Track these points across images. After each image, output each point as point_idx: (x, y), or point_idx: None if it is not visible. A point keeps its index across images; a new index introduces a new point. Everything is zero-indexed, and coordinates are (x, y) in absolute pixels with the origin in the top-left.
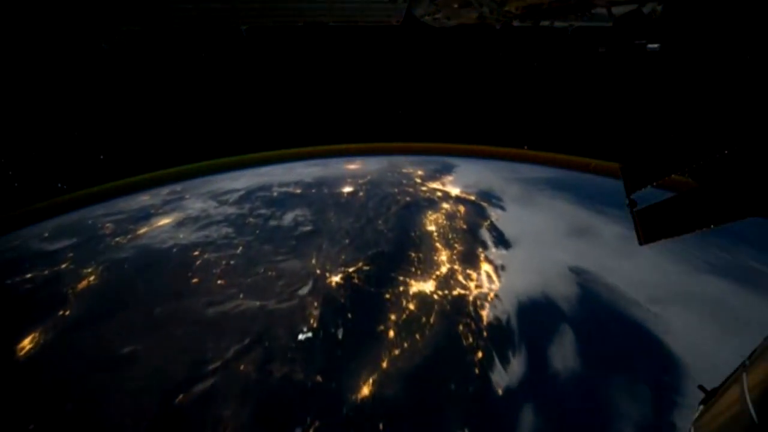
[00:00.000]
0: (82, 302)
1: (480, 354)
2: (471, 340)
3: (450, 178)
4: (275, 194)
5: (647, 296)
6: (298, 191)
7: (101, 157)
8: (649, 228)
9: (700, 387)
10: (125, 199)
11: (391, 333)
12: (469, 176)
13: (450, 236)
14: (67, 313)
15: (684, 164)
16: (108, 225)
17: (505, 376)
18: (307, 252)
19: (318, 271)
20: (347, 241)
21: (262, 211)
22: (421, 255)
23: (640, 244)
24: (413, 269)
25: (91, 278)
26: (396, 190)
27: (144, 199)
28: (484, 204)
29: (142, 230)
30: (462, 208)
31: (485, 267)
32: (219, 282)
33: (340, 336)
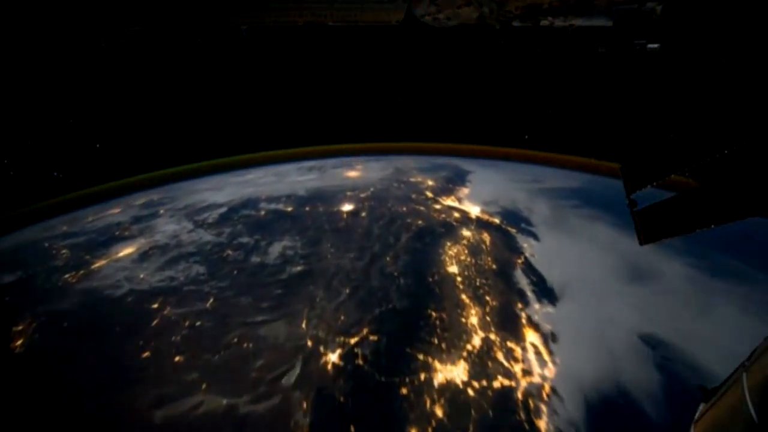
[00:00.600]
0: None
1: None
2: None
3: (465, 190)
4: (262, 213)
5: None
6: (290, 209)
7: (97, 145)
8: (650, 228)
9: (700, 387)
10: (97, 209)
11: None
12: (486, 187)
13: (478, 282)
14: None
15: (684, 164)
16: (63, 251)
17: None
18: (295, 308)
19: (309, 343)
20: (347, 290)
21: (244, 240)
22: (444, 315)
23: (641, 244)
24: (436, 340)
25: (18, 343)
26: (405, 208)
27: (114, 212)
28: (512, 230)
29: (99, 263)
30: (487, 237)
31: (531, 336)
32: (177, 359)
33: None
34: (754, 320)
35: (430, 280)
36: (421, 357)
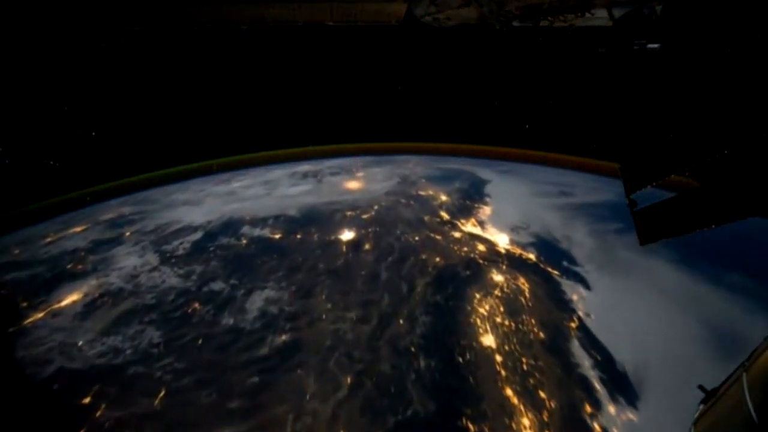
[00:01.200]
0: None
1: None
2: None
3: (486, 209)
4: (243, 242)
5: None
6: (277, 236)
7: (93, 133)
8: (649, 228)
9: (700, 387)
10: (61, 222)
11: None
12: (509, 205)
13: (525, 364)
14: None
15: (684, 164)
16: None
17: None
18: (275, 413)
19: None
20: (349, 379)
21: (217, 287)
22: (486, 430)
23: (641, 244)
24: None
25: None
26: (417, 238)
27: (76, 231)
28: (554, 272)
29: (34, 316)
30: (524, 284)
31: None
32: None
33: None
34: None
35: (461, 360)
36: None
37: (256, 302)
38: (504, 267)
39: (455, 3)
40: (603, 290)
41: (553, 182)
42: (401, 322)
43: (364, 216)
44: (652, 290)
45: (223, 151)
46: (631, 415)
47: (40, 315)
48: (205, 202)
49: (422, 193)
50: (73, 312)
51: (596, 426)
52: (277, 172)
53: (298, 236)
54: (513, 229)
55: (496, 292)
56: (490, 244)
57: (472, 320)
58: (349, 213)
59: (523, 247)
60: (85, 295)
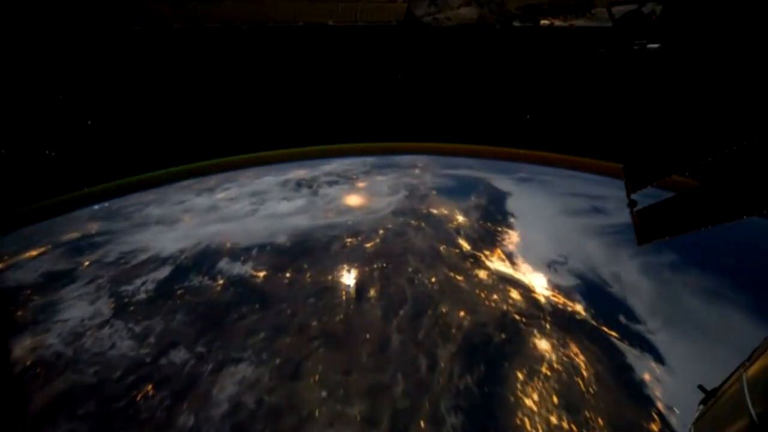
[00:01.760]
0: None
1: None
2: None
3: (513, 235)
4: (219, 283)
5: None
6: (261, 275)
7: (89, 122)
8: (649, 228)
9: (700, 387)
10: (16, 241)
11: None
12: (539, 228)
13: None
14: None
15: (684, 164)
16: None
17: None
18: None
19: None
20: None
21: (178, 358)
22: None
23: (638, 244)
24: None
25: None
26: (434, 279)
27: (30, 256)
28: (612, 334)
29: None
30: (578, 355)
31: None
32: None
33: None
34: None
35: None
36: None
37: (227, 386)
38: (548, 327)
39: (455, 3)
40: (680, 364)
41: (581, 194)
42: (422, 425)
43: (368, 245)
44: (739, 356)
45: (215, 152)
46: None
47: None
48: (181, 221)
49: (434, 211)
50: None
51: None
52: (268, 180)
53: (287, 275)
54: (549, 265)
55: (544, 369)
56: (526, 290)
57: (518, 420)
58: (349, 240)
59: (567, 293)
60: (12, 364)
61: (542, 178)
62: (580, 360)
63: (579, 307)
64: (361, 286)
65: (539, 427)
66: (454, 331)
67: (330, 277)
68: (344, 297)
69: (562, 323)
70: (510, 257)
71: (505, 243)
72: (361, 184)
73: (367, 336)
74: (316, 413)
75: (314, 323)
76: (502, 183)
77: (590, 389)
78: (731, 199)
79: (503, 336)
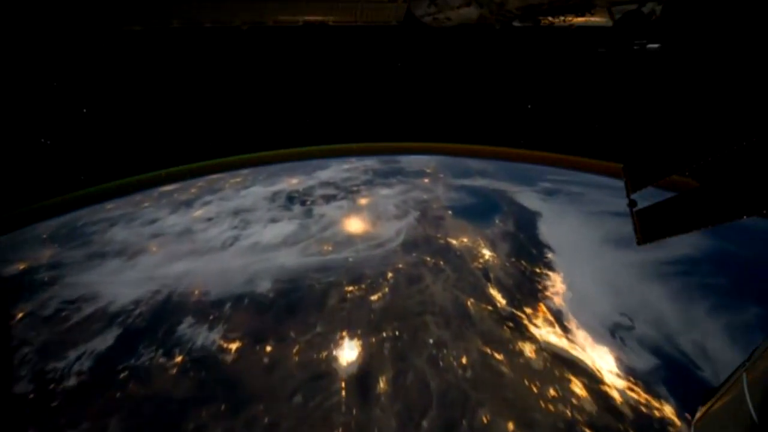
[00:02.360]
0: None
1: None
2: None
3: (556, 281)
4: (175, 362)
5: None
6: (232, 350)
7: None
8: (648, 228)
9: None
10: None
11: None
12: (584, 267)
13: None
14: None
15: (685, 164)
16: None
17: None
18: None
19: None
20: None
21: None
22: None
23: (638, 244)
24: None
25: None
26: (465, 361)
27: None
28: None
29: None
30: None
31: None
32: None
33: None
34: None
35: None
36: None
37: None
38: None
39: (455, 3)
40: None
41: (619, 212)
42: None
43: (374, 297)
44: None
45: (209, 153)
46: None
47: None
48: (145, 252)
49: (453, 241)
50: None
51: None
52: (255, 192)
53: (267, 350)
54: (613, 333)
55: None
56: (591, 379)
57: None
58: (350, 290)
59: (648, 383)
60: None
61: (569, 189)
62: None
63: (668, 410)
64: (367, 372)
65: None
66: None
67: (324, 354)
68: (343, 392)
69: None
70: (560, 319)
71: (549, 294)
72: (362, 200)
73: None
74: None
75: None
76: (526, 198)
77: None
78: (731, 199)
79: None
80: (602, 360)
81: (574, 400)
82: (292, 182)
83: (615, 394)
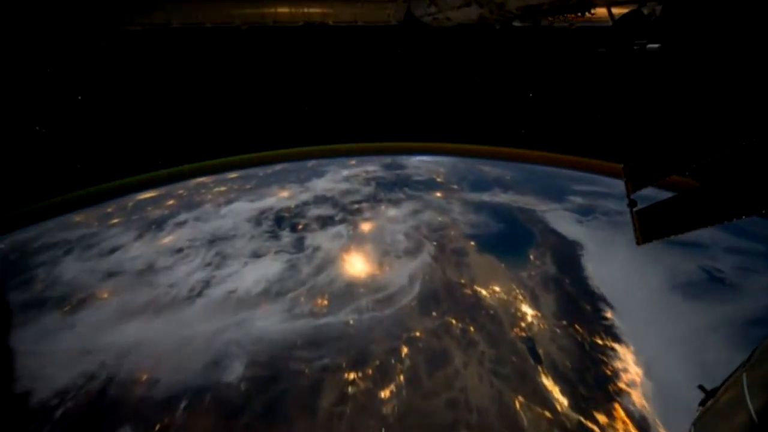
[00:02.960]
0: None
1: None
2: None
3: (626, 356)
4: None
5: None
6: None
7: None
8: (648, 227)
9: (700, 387)
10: None
11: None
12: (656, 330)
13: None
14: None
15: (685, 164)
16: None
17: None
18: None
19: None
20: None
21: None
22: None
23: (638, 244)
24: None
25: None
26: None
27: None
28: None
29: None
30: None
31: None
32: None
33: None
34: None
35: None
36: None
37: None
38: None
39: (455, 3)
40: None
41: (674, 240)
42: None
43: (384, 394)
44: None
45: (205, 154)
46: None
47: None
48: (92, 301)
49: (483, 292)
50: None
51: None
52: (239, 209)
53: None
54: None
55: None
56: None
57: None
58: (350, 379)
59: None
60: None
61: (605, 205)
62: None
63: None
64: None
65: None
66: None
67: None
68: None
69: None
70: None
71: (623, 386)
72: (365, 226)
73: None
74: None
75: None
76: (560, 220)
77: None
78: (731, 199)
79: None
80: None
81: None
82: (283, 195)
83: None
